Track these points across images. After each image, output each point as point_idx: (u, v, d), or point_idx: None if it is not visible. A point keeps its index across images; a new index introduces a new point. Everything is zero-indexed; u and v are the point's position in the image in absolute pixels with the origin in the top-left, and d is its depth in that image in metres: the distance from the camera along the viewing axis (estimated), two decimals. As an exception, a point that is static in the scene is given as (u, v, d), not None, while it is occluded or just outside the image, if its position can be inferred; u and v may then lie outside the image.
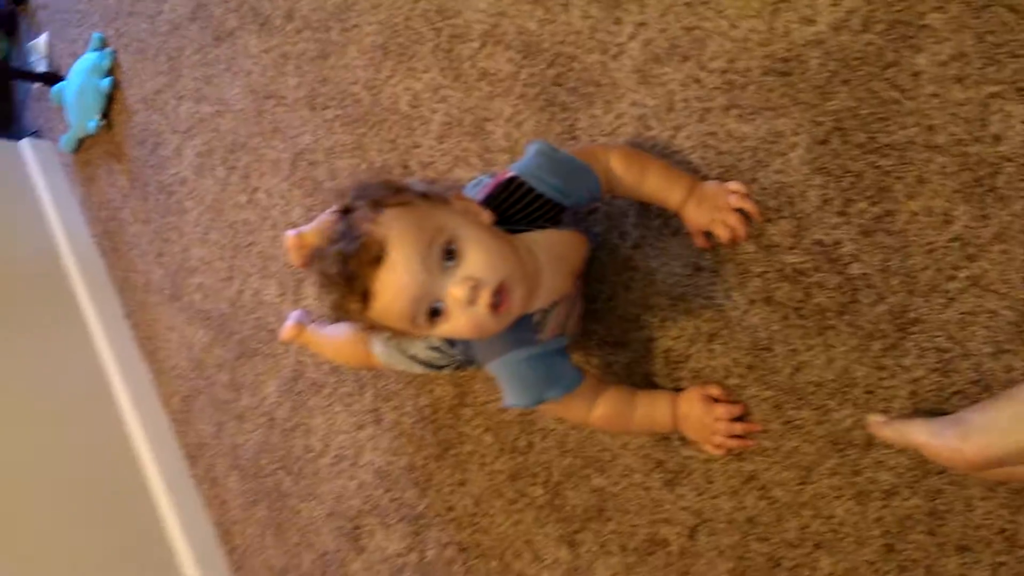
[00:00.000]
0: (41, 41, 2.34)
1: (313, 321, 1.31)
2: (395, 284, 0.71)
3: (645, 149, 0.96)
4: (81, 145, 2.13)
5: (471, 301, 0.72)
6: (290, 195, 1.49)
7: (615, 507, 1.01)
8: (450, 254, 0.72)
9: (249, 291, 1.58)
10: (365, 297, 0.72)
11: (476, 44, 1.17)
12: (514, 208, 0.84)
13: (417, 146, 1.25)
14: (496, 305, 0.73)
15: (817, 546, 0.84)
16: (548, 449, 1.08)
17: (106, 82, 1.99)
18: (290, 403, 1.49)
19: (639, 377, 0.98)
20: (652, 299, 0.97)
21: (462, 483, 1.19)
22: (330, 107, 1.40)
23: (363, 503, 1.34)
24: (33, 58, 2.38)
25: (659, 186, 0.89)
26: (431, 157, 1.23)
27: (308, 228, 1.27)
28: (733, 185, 0.88)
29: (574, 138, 1.05)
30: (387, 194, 0.75)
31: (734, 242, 0.88)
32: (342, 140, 1.38)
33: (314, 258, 0.78)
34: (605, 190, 0.90)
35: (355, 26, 1.36)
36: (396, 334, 0.80)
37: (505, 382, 0.88)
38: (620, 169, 0.89)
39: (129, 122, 1.95)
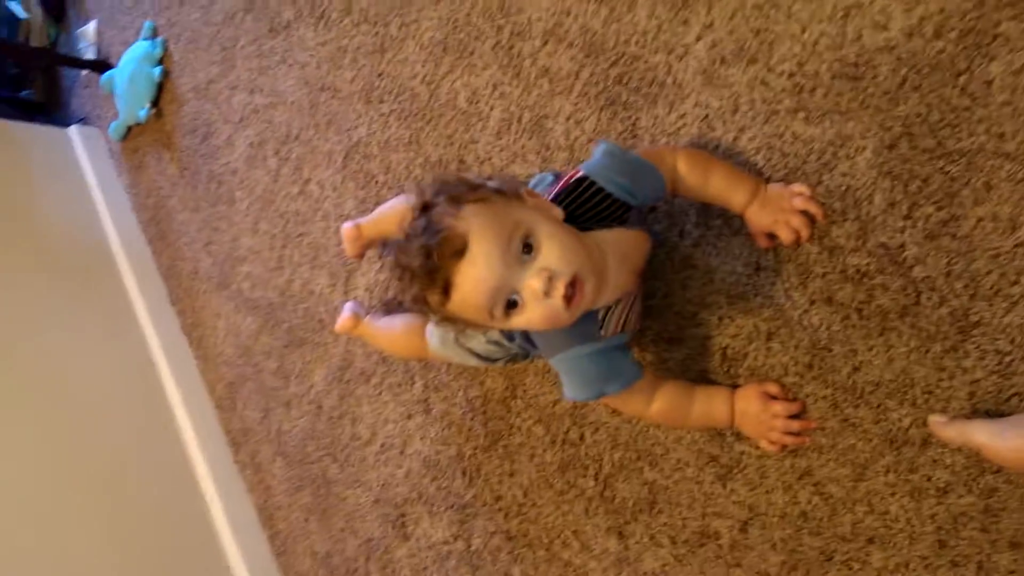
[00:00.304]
0: (90, 28, 2.39)
1: (368, 312, 1.34)
2: (476, 276, 0.74)
3: (709, 150, 0.98)
4: (130, 133, 2.18)
5: (547, 292, 0.74)
6: (343, 187, 1.52)
7: (666, 500, 1.03)
8: (527, 248, 0.75)
9: (299, 281, 1.62)
10: (446, 289, 0.75)
11: (538, 42, 1.19)
12: (584, 207, 0.87)
13: (475, 142, 1.28)
14: (570, 297, 0.75)
15: (870, 541, 0.86)
16: (600, 442, 1.10)
17: (157, 71, 2.04)
18: (338, 391, 1.52)
19: (695, 374, 1.00)
20: (710, 297, 0.99)
21: (511, 473, 1.21)
22: (386, 101, 1.43)
23: (410, 491, 1.37)
24: (82, 45, 2.43)
25: (723, 187, 0.91)
26: (488, 153, 1.25)
27: (366, 220, 1.30)
28: (797, 187, 0.90)
29: (635, 137, 1.07)
30: (465, 190, 0.78)
31: (797, 244, 0.90)
32: (398, 134, 1.41)
33: (390, 251, 0.81)
34: (670, 191, 0.92)
35: (414, 21, 1.38)
36: (471, 326, 0.82)
37: (566, 376, 0.90)
38: (685, 170, 0.91)
39: (180, 111, 2.00)
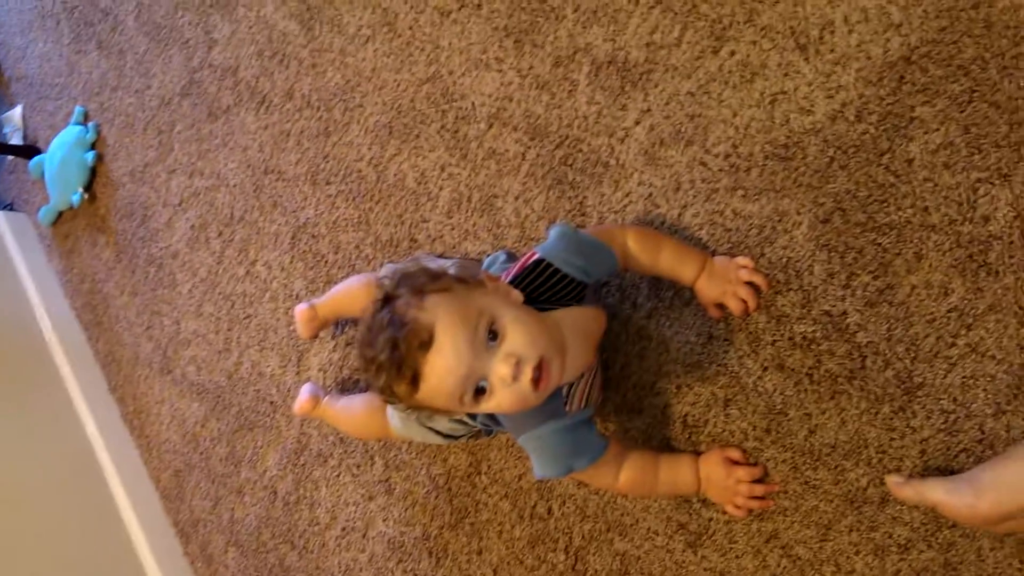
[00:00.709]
0: (15, 113, 2.34)
1: (327, 393, 1.33)
2: (444, 366, 0.75)
3: (654, 226, 1.03)
4: (61, 218, 2.12)
5: (515, 377, 0.76)
6: (291, 268, 1.51)
7: (638, 570, 1.04)
8: (492, 334, 0.77)
9: (248, 363, 1.59)
10: (414, 380, 0.76)
11: (483, 125, 1.23)
12: (541, 288, 0.89)
13: (425, 220, 1.30)
14: (537, 380, 0.77)
15: (841, 601, 0.89)
16: (568, 515, 1.11)
17: (90, 155, 2.00)
18: (293, 475, 1.49)
19: (657, 442, 1.03)
20: (666, 367, 1.02)
21: (479, 551, 1.21)
22: (333, 183, 1.45)
23: (374, 574, 1.34)
24: (7, 130, 2.37)
25: (673, 262, 0.96)
26: (439, 231, 1.28)
27: (320, 300, 1.30)
28: (742, 260, 0.94)
29: (583, 215, 1.11)
30: (427, 280, 0.80)
31: (746, 313, 0.95)
32: (346, 214, 1.42)
33: (355, 343, 0.81)
34: (622, 267, 0.96)
35: (358, 106, 1.41)
36: (438, 412, 0.83)
37: (535, 454, 0.91)
38: (636, 248, 0.95)
39: (115, 195, 1.96)
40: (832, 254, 0.90)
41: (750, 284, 0.94)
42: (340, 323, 1.40)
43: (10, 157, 2.35)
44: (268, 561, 1.53)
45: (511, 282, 0.89)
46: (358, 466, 1.38)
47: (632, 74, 1.08)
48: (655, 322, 1.04)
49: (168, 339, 1.78)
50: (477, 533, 1.21)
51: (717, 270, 0.95)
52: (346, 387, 1.39)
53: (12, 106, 2.36)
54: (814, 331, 0.91)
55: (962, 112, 0.82)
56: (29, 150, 2.22)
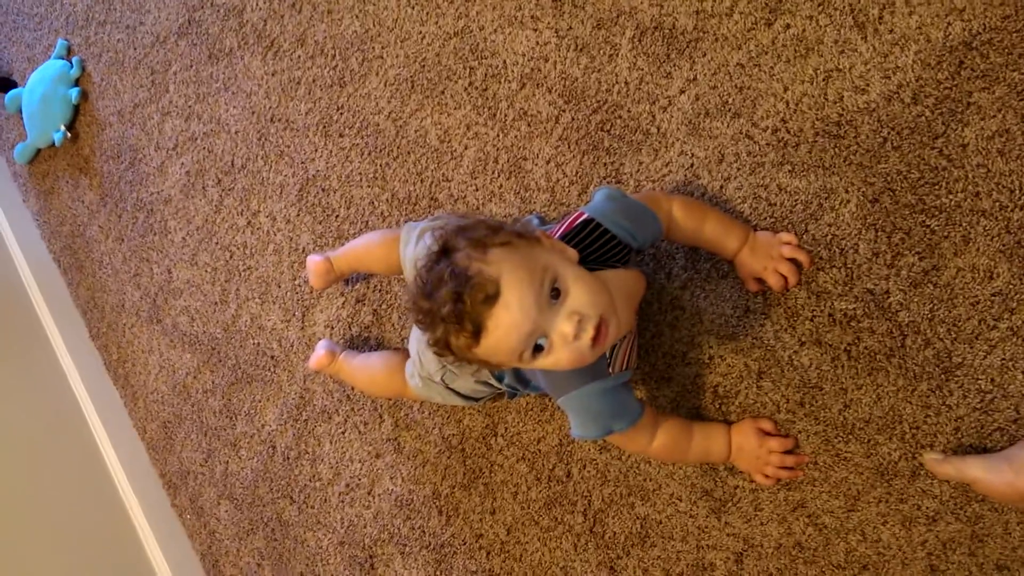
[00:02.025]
0: (-12, 43, 2.21)
1: (342, 350, 1.31)
2: (509, 322, 0.74)
3: (695, 197, 1.03)
4: (38, 156, 2.02)
5: (576, 336, 0.76)
6: (298, 221, 1.47)
7: (659, 534, 1.06)
8: (555, 292, 0.76)
9: (247, 316, 1.55)
10: (476, 334, 0.75)
11: (515, 85, 1.21)
12: (590, 248, 0.89)
13: (447, 179, 1.28)
14: (595, 339, 0.77)
15: (864, 567, 0.92)
16: (588, 478, 1.12)
17: (75, 92, 1.91)
18: (294, 431, 1.47)
19: (686, 411, 1.04)
20: (699, 337, 1.03)
21: (492, 511, 1.21)
22: (347, 135, 1.41)
23: (380, 532, 1.34)
24: (-23, 60, 2.24)
25: (716, 234, 0.96)
26: (462, 192, 1.26)
27: (336, 253, 1.27)
28: (785, 236, 0.95)
29: (619, 182, 1.11)
30: (488, 233, 0.78)
31: (785, 289, 0.96)
32: (361, 169, 1.38)
33: (414, 295, 0.80)
34: (665, 235, 0.96)
35: (378, 57, 1.37)
36: (485, 366, 0.83)
37: (575, 414, 0.92)
38: (681, 216, 0.95)
39: (100, 135, 1.88)
40: (879, 233, 0.91)
41: (792, 260, 0.95)
42: (350, 279, 1.37)
43: (-18, 89, 2.23)
44: (264, 515, 1.52)
45: (561, 240, 0.89)
46: (365, 424, 1.36)
47: (679, 42, 1.06)
48: (690, 293, 1.04)
49: (158, 287, 1.73)
50: (491, 493, 1.22)
51: (759, 244, 0.96)
52: (355, 344, 1.37)
53: (-17, 34, 2.23)
54: (855, 308, 0.93)
55: (1021, 101, 0.84)
56: (4, 83, 2.10)
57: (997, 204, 0.85)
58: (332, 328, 1.42)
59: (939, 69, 0.88)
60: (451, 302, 0.74)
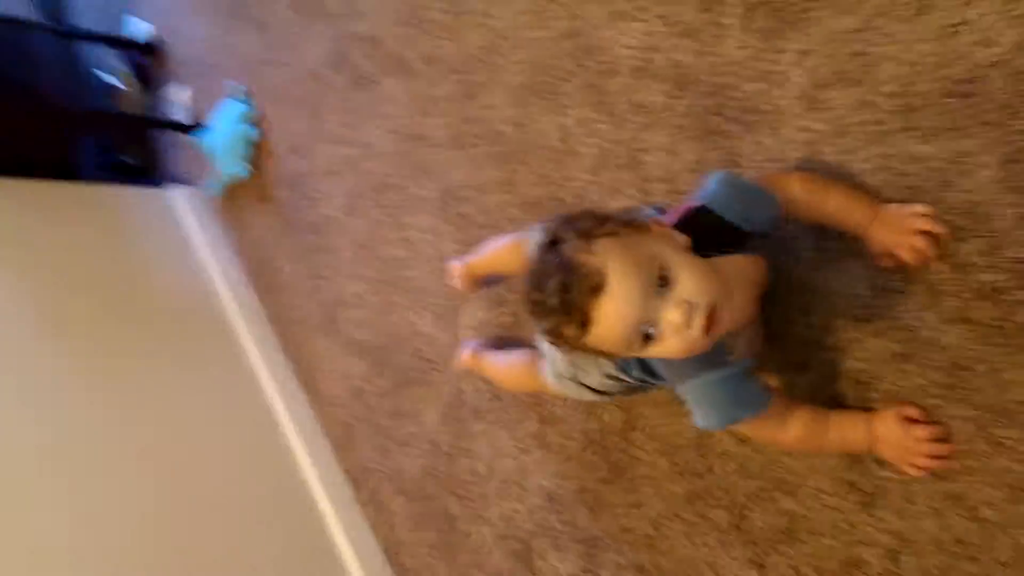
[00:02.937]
0: (182, 93, 2.53)
1: (485, 349, 1.38)
2: (615, 311, 0.75)
3: (819, 173, 0.97)
4: (228, 190, 2.29)
5: (686, 324, 0.75)
6: (441, 230, 1.56)
7: (807, 529, 1.02)
8: (662, 280, 0.76)
9: (405, 323, 1.67)
10: (584, 324, 0.77)
11: (626, 78, 1.20)
12: (703, 234, 0.87)
13: (570, 179, 1.30)
14: (707, 326, 0.76)
15: (1037, 567, 0.83)
16: (729, 473, 1.10)
17: (251, 129, 2.14)
18: (452, 429, 1.56)
19: (825, 399, 0.99)
20: (834, 321, 0.98)
21: (637, 506, 1.22)
22: (478, 145, 1.47)
23: (534, 525, 1.40)
24: (173, 108, 2.57)
25: (841, 208, 0.91)
26: (585, 190, 1.27)
27: (473, 258, 1.34)
28: (919, 207, 0.88)
29: (738, 165, 1.07)
30: (594, 224, 0.79)
31: (923, 263, 0.88)
32: (492, 176, 1.44)
33: (521, 286, 0.82)
34: (785, 215, 0.92)
35: (500, 67, 1.42)
36: (601, 356, 0.84)
37: (697, 404, 0.91)
38: (801, 192, 0.91)
39: (276, 166, 2.09)
40: (1022, 196, 0.82)
41: (927, 233, 0.87)
42: (489, 282, 1.43)
43: (179, 134, 2.55)
44: (433, 509, 1.62)
45: (673, 228, 0.88)
46: (513, 421, 1.42)
47: (788, 14, 1.01)
48: (820, 275, 0.99)
49: (332, 301, 1.90)
50: (634, 488, 1.22)
51: (890, 218, 0.89)
52: (498, 344, 1.43)
53: (180, 86, 2.55)
54: (1003, 280, 0.84)
55: None
56: (195, 127, 2.40)
57: None
58: (477, 330, 1.49)
59: (1087, 3, 0.78)
60: (558, 293, 0.76)
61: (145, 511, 1.63)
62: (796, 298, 1.01)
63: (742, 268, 0.90)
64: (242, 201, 2.25)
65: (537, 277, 0.79)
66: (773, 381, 1.04)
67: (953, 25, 0.87)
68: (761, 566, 1.07)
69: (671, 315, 0.76)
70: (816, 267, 0.99)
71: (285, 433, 1.96)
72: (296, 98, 1.99)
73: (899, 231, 0.88)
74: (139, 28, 2.74)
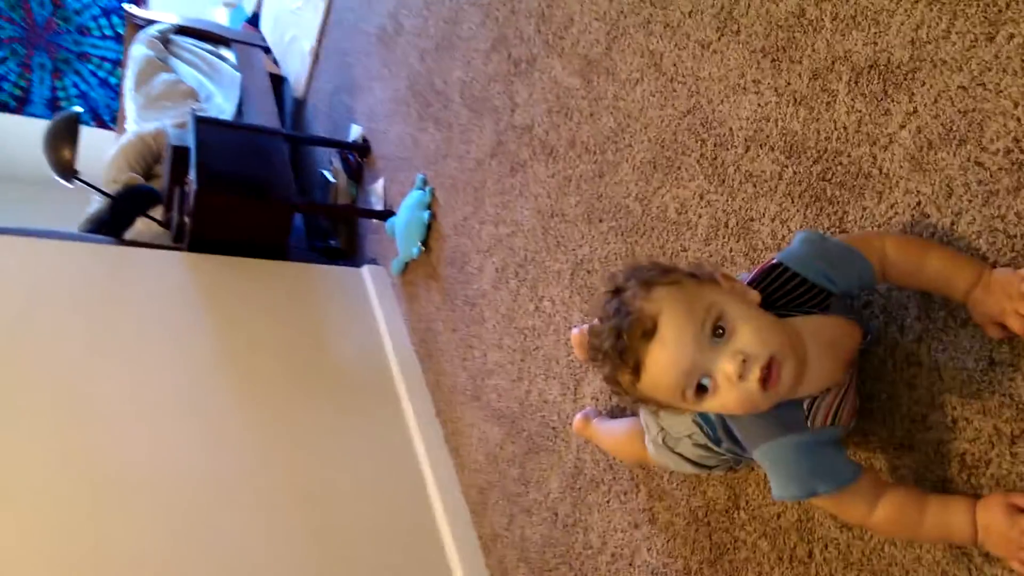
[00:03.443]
0: (379, 185, 2.85)
1: (598, 416, 1.40)
2: (666, 358, 0.76)
3: (924, 236, 0.92)
4: (407, 268, 2.51)
5: (741, 376, 0.74)
6: (570, 302, 1.61)
7: (910, 631, 0.91)
8: (719, 330, 0.76)
9: (536, 391, 1.72)
10: (636, 370, 0.78)
11: (740, 149, 1.22)
12: (779, 292, 0.86)
13: (685, 249, 1.31)
14: (765, 380, 0.74)
15: None
16: (830, 560, 1.01)
17: (427, 214, 2.36)
18: (571, 498, 1.56)
19: (931, 483, 0.90)
20: (940, 397, 0.89)
21: (738, 590, 1.15)
22: (605, 219, 1.53)
23: (639, 604, 1.34)
24: (373, 199, 2.90)
25: (942, 271, 0.85)
26: (697, 258, 1.27)
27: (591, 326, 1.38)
28: None
29: (844, 231, 1.03)
30: (657, 274, 0.82)
31: None
32: (616, 249, 1.48)
33: (589, 334, 0.86)
34: (879, 278, 0.87)
35: (628, 146, 1.48)
36: (665, 408, 0.84)
37: (772, 470, 0.87)
38: (896, 254, 0.87)
39: (443, 246, 2.28)
40: None
41: None
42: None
43: (374, 221, 2.86)
44: (550, 580, 1.61)
45: (748, 284, 0.87)
46: (625, 493, 1.40)
47: (895, 75, 0.99)
48: (926, 346, 0.91)
49: (477, 369, 2.00)
50: (736, 571, 1.15)
51: (997, 282, 0.82)
52: (612, 413, 1.44)
53: (377, 179, 2.88)
54: None
55: None
56: (387, 214, 2.68)
57: None
58: (597, 399, 1.50)
59: None
60: (612, 338, 0.79)
61: (297, 549, 1.77)
62: (902, 372, 0.94)
63: (823, 329, 0.86)
64: (416, 278, 2.46)
65: (598, 323, 0.82)
66: (877, 462, 0.96)
67: (1064, 76, 0.81)
68: (861, 670, 0.95)
69: (725, 365, 0.75)
70: (921, 338, 0.92)
71: (430, 494, 2.05)
72: (464, 184, 2.18)
73: (1005, 296, 0.81)
74: (355, 132, 3.15)
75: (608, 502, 1.44)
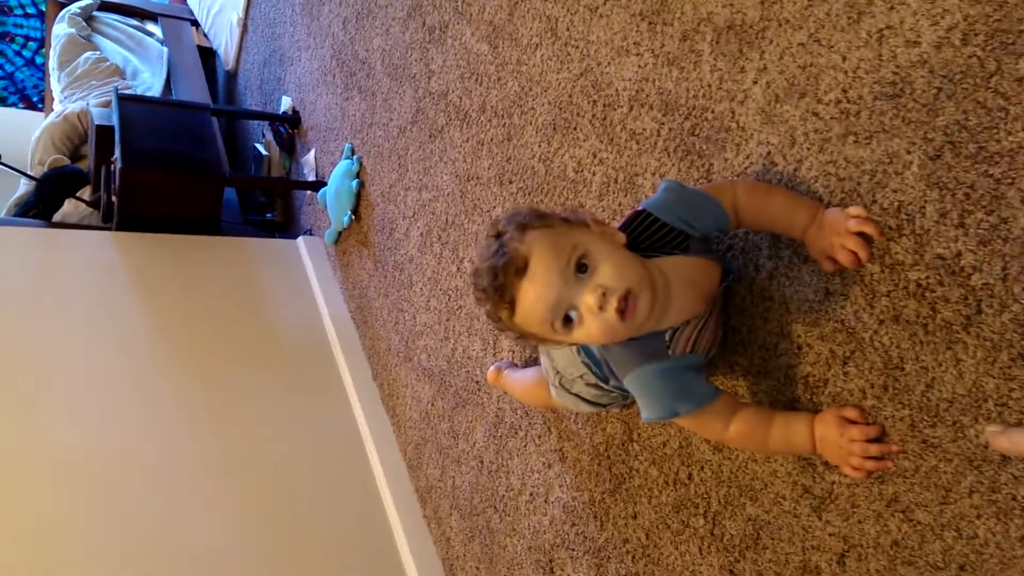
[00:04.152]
0: (310, 156, 2.87)
1: (511, 366, 1.48)
2: (534, 292, 0.84)
3: (772, 182, 1.01)
4: (339, 237, 2.56)
5: (601, 307, 0.83)
6: (488, 261, 1.69)
7: (769, 535, 1.02)
8: (582, 267, 0.84)
9: (460, 348, 1.80)
10: (512, 305, 0.86)
11: (625, 109, 1.30)
12: (644, 235, 0.95)
13: (582, 206, 1.39)
14: (623, 311, 0.83)
15: (962, 568, 0.80)
16: (706, 480, 1.12)
17: (355, 183, 2.41)
18: (494, 446, 1.66)
19: (783, 404, 1.00)
20: (788, 327, 1.00)
21: (634, 516, 1.25)
22: (514, 181, 1.60)
23: (555, 537, 1.45)
24: (305, 170, 2.92)
25: (783, 213, 0.95)
26: (593, 214, 1.36)
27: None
28: (853, 210, 0.90)
29: (711, 181, 1.12)
30: (533, 218, 0.89)
31: (858, 265, 0.90)
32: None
33: (472, 275, 0.92)
34: (733, 222, 0.96)
35: (531, 109, 1.55)
36: (541, 341, 0.92)
37: (640, 396, 0.96)
38: (746, 200, 0.96)
39: (372, 214, 2.33)
40: (943, 192, 0.82)
41: (861, 235, 0.89)
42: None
43: (308, 192, 2.89)
44: (479, 523, 1.71)
45: (618, 229, 0.95)
46: (539, 436, 1.50)
47: (748, 35, 1.07)
48: (776, 282, 1.02)
49: (408, 331, 2.08)
50: (632, 498, 1.26)
51: (828, 221, 0.92)
52: (528, 365, 1.53)
53: (308, 150, 2.91)
54: (928, 278, 0.84)
55: (1074, 12, 0.72)
56: (319, 184, 2.72)
57: (1062, 135, 0.73)
58: (514, 352, 1.59)
59: (986, 2, 0.79)
60: (490, 276, 0.86)
61: (243, 505, 1.85)
62: (757, 306, 1.04)
63: (684, 268, 0.95)
64: (349, 246, 2.51)
65: (479, 265, 0.89)
66: (739, 388, 1.07)
67: (880, 30, 0.90)
68: (732, 572, 1.07)
69: (587, 298, 0.83)
70: (772, 275, 1.02)
71: (369, 454, 2.13)
72: (389, 152, 2.23)
73: (834, 233, 0.91)
74: (285, 103, 3.15)
75: (525, 446, 1.54)
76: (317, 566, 1.84)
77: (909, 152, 0.86)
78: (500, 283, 0.85)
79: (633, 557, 1.26)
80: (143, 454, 1.89)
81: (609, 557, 1.31)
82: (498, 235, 0.89)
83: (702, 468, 1.13)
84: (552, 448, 1.46)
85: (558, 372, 1.18)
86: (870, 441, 0.87)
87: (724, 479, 1.09)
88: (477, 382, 1.73)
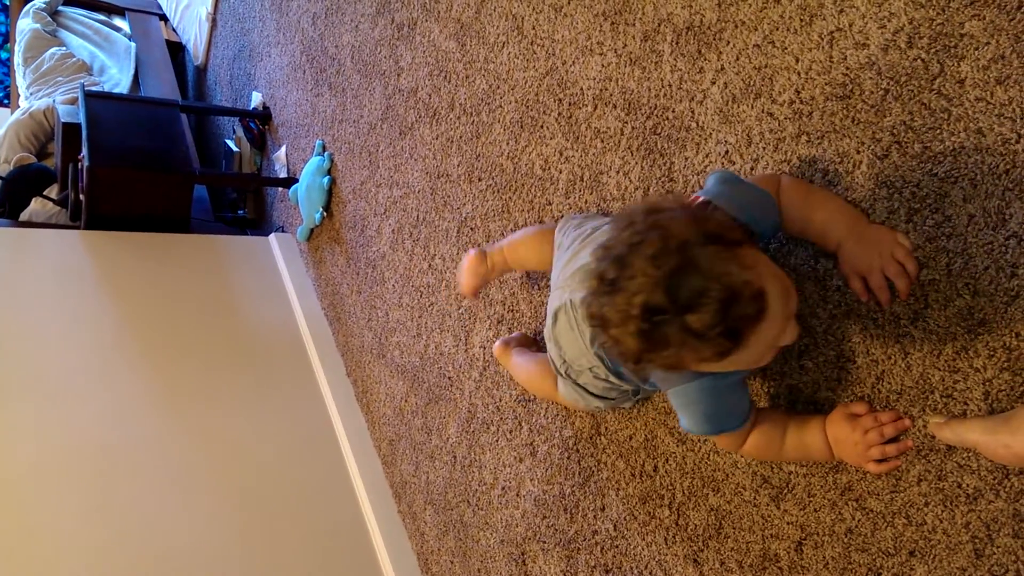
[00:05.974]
0: (281, 152, 2.86)
1: (519, 346, 1.42)
2: (771, 330, 0.75)
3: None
4: (311, 234, 2.56)
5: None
6: (457, 258, 1.70)
7: (731, 524, 1.05)
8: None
9: (432, 344, 1.82)
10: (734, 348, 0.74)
11: (590, 108, 1.31)
12: None
13: (549, 203, 1.41)
14: None
15: (911, 554, 0.83)
16: (671, 472, 1.15)
17: (326, 180, 2.40)
18: (467, 441, 1.67)
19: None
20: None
21: (602, 508, 1.28)
22: (483, 178, 1.61)
23: (527, 530, 1.47)
24: (276, 167, 2.91)
25: (821, 218, 0.88)
26: (560, 212, 1.38)
27: (492, 248, 1.39)
28: (903, 239, 0.83)
29: (671, 180, 1.15)
30: (725, 230, 0.76)
31: (889, 302, 0.85)
32: (493, 205, 1.58)
33: (650, 296, 0.74)
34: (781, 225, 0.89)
35: (499, 107, 1.56)
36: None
37: (687, 408, 0.90)
38: (784, 199, 0.89)
39: (344, 211, 2.33)
40: (891, 191, 0.85)
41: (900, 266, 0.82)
42: (488, 301, 1.55)
43: (280, 189, 2.88)
44: (452, 518, 1.73)
45: None
46: (511, 431, 1.52)
47: (707, 36, 1.09)
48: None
49: (381, 328, 2.08)
50: (600, 491, 1.28)
51: (871, 238, 0.84)
52: (529, 344, 1.54)
53: (279, 146, 2.89)
54: (877, 273, 0.86)
55: (1011, 20, 0.75)
56: (290, 181, 2.71)
57: (1000, 138, 0.75)
58: (484, 348, 1.61)
59: (929, 6, 0.81)
60: (719, 316, 0.70)
61: (216, 503, 1.85)
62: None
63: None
64: (322, 243, 2.51)
65: (674, 289, 0.70)
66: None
67: (831, 32, 0.92)
68: (696, 561, 1.10)
69: (791, 331, 0.77)
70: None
71: (343, 451, 2.14)
72: (360, 148, 2.23)
73: (876, 254, 0.84)
74: (256, 99, 3.13)
75: (497, 441, 1.56)
76: (293, 562, 1.85)
77: (859, 152, 0.89)
78: (734, 326, 0.70)
79: (602, 548, 1.28)
80: (112, 455, 1.89)
81: (579, 549, 1.33)
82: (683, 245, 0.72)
83: (667, 460, 1.15)
84: (523, 443, 1.48)
85: (565, 361, 1.11)
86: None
87: (688, 470, 1.11)
88: (449, 378, 1.74)
